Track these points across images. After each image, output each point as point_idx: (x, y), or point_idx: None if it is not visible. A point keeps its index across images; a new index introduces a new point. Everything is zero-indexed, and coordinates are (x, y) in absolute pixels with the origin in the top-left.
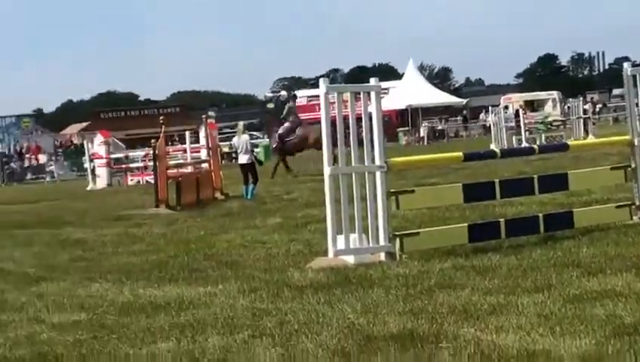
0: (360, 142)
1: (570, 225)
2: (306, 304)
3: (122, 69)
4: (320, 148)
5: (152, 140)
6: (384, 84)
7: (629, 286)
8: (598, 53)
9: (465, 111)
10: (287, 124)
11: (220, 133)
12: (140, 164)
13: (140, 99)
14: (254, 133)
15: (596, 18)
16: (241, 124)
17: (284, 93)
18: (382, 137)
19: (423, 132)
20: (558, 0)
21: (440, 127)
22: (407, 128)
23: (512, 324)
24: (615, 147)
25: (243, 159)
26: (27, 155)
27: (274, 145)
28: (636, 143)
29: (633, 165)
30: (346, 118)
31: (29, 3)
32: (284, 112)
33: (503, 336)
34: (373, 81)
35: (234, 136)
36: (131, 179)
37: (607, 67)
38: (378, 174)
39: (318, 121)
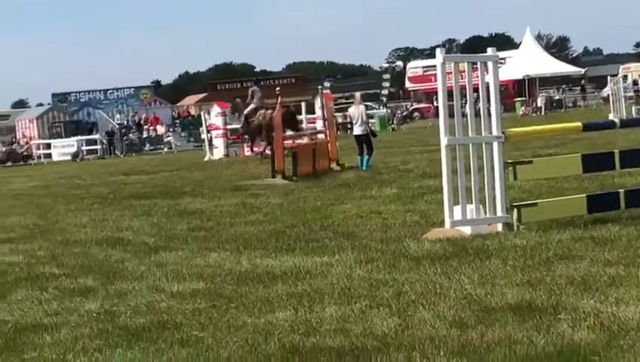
0: (477, 113)
1: None
2: (422, 274)
3: (238, 40)
4: (271, 130)
5: (269, 111)
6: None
7: None
8: None
9: (583, 81)
10: (252, 106)
11: (335, 104)
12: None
13: (255, 70)
14: (369, 103)
15: None
16: (357, 94)
17: (399, 63)
18: (499, 108)
19: (540, 102)
20: None
21: (557, 97)
22: (524, 98)
23: (632, 296)
24: None
25: (358, 130)
26: (145, 126)
27: (240, 127)
28: None
29: None
30: (462, 89)
31: None
32: (249, 95)
33: (622, 308)
34: (490, 50)
35: (349, 107)
36: (247, 150)
37: None
38: (495, 145)
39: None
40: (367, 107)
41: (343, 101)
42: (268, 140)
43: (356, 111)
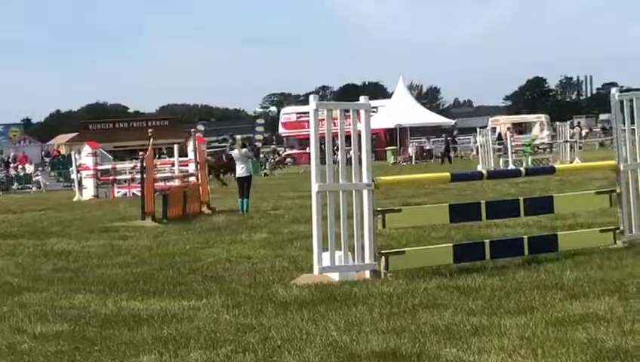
0: (348, 160)
1: (555, 248)
2: (289, 320)
3: (112, 81)
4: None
5: (140, 153)
6: (373, 103)
7: (611, 311)
8: (586, 77)
9: (455, 132)
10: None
11: (208, 147)
12: (128, 176)
13: (128, 111)
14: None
15: (585, 43)
16: (239, 137)
17: (273, 108)
18: (370, 156)
19: (411, 151)
20: (547, 24)
21: (428, 147)
22: (395, 147)
23: (494, 346)
24: (601, 172)
25: (241, 172)
26: (14, 165)
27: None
28: (622, 168)
29: (618, 190)
30: (335, 136)
31: (20, 11)
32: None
33: (485, 357)
34: (362, 99)
35: (222, 150)
36: (118, 191)
37: (594, 92)
38: (365, 192)
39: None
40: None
41: (217, 145)
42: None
43: (238, 153)
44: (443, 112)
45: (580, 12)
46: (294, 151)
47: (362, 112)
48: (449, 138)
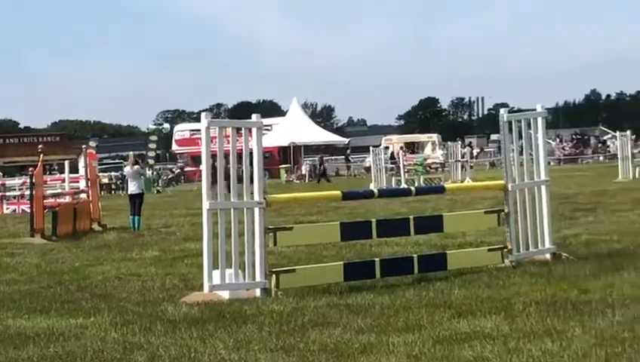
0: (240, 178)
1: (444, 267)
2: (178, 338)
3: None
4: None
5: (30, 169)
6: (268, 121)
7: (497, 329)
8: (477, 98)
9: (348, 150)
10: None
11: (99, 164)
12: (17, 193)
13: (19, 127)
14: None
15: (477, 65)
16: (131, 154)
17: (167, 125)
18: (262, 173)
19: (304, 169)
20: (440, 45)
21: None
22: (289, 165)
23: None
24: (490, 191)
25: (133, 189)
26: None
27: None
28: (510, 188)
29: (506, 210)
30: (227, 153)
31: None
32: None
33: None
34: (254, 117)
35: (114, 167)
36: (7, 208)
37: (486, 112)
38: (256, 210)
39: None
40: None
41: (109, 161)
42: None
43: (131, 170)
44: (337, 131)
45: (472, 34)
46: (188, 168)
47: (254, 130)
48: (324, 158)
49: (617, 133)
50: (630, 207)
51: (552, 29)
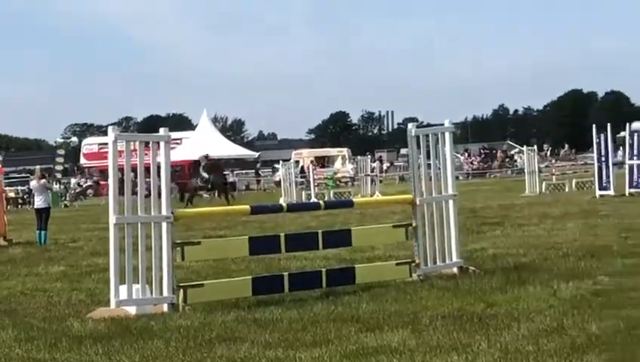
0: (148, 192)
1: (352, 281)
2: (83, 355)
3: None
4: None
5: None
6: (177, 135)
7: (404, 343)
8: (387, 112)
9: (258, 164)
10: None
11: (6, 178)
12: None
13: None
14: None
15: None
16: (38, 168)
17: (74, 139)
18: (169, 188)
19: None
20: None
21: (232, 179)
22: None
23: None
24: (399, 205)
25: (39, 203)
26: None
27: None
28: (417, 203)
29: (414, 224)
30: (135, 167)
31: None
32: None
33: None
34: (162, 130)
35: (21, 181)
36: None
37: (396, 126)
38: (164, 225)
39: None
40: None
41: (16, 175)
42: None
43: (37, 184)
44: (247, 145)
45: (384, 48)
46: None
47: (162, 144)
48: (227, 174)
49: (525, 148)
50: (536, 221)
51: (463, 44)
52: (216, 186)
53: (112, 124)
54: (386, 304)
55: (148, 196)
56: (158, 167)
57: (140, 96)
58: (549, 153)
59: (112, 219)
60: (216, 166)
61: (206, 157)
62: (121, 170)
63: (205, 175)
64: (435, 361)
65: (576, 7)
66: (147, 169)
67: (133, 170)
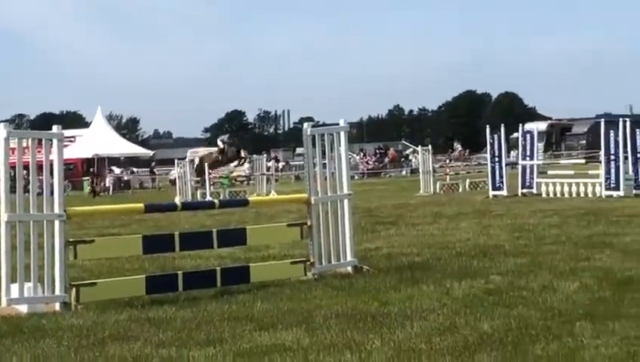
0: (41, 190)
1: (247, 280)
2: None
3: None
4: None
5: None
6: (71, 132)
7: (297, 341)
8: (284, 111)
9: (153, 163)
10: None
11: None
12: None
13: None
14: None
15: (284, 78)
16: None
17: None
18: (62, 185)
19: (108, 182)
20: (246, 58)
21: (126, 178)
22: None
23: None
24: (295, 204)
25: None
26: None
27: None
28: (312, 202)
29: (309, 223)
30: (27, 165)
31: None
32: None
33: None
34: (55, 128)
35: None
36: None
37: (292, 126)
38: (57, 223)
39: None
40: None
41: None
42: None
43: None
44: (142, 143)
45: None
46: None
47: (55, 141)
48: (94, 171)
49: (419, 148)
50: (430, 221)
51: (359, 45)
52: None
53: (3, 121)
54: (281, 303)
55: (40, 194)
56: (51, 165)
57: (33, 93)
58: (458, 153)
59: (4, 217)
60: None
61: None
62: (13, 167)
63: None
64: (328, 359)
65: (476, 6)
66: (40, 167)
67: (26, 167)
